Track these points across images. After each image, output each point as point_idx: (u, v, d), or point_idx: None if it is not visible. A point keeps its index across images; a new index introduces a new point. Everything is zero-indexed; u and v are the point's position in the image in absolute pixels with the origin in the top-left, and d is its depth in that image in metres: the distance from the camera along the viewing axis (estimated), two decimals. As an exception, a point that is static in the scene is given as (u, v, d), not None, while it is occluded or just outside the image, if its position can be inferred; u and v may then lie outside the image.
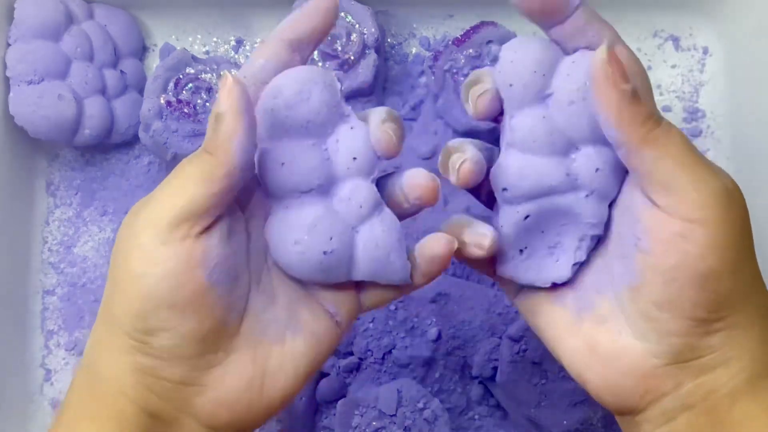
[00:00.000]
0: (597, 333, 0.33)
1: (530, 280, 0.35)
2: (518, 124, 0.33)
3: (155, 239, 0.30)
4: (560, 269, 0.35)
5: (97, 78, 0.55)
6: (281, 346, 0.33)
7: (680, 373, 0.31)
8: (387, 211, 0.34)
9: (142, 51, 0.59)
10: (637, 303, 0.31)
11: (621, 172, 0.33)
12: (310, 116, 0.33)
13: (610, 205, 0.34)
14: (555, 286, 0.35)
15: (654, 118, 0.30)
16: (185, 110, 0.53)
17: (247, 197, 0.34)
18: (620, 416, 0.34)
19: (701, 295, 0.30)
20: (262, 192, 0.34)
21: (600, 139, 0.32)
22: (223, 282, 0.31)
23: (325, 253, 0.33)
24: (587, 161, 0.33)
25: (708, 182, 0.30)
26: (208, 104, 0.54)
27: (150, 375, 0.31)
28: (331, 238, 0.33)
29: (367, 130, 0.34)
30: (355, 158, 0.33)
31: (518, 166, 0.33)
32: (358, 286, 0.36)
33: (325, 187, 0.34)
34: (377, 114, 0.34)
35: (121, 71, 0.57)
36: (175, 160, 0.53)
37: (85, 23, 0.55)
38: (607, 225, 0.34)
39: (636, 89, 0.30)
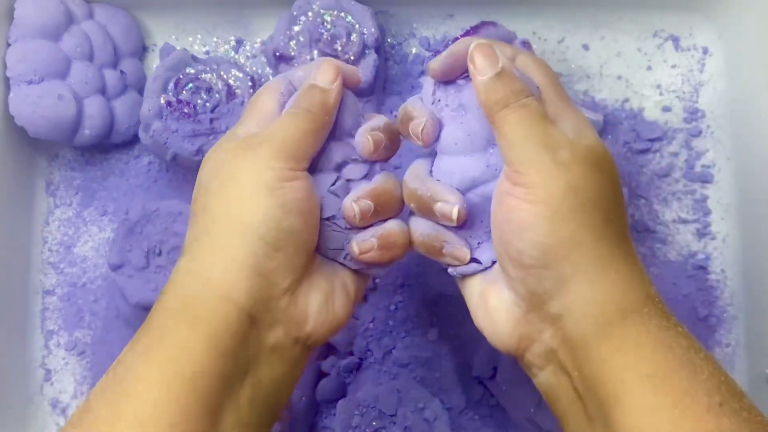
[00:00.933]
0: (489, 289, 0.39)
1: (484, 265, 0.40)
2: (442, 135, 0.40)
3: (285, 165, 0.37)
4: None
5: (97, 78, 0.55)
6: (335, 271, 0.40)
7: (538, 320, 0.36)
8: None
9: (142, 51, 0.59)
10: (498, 257, 0.38)
11: None
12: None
13: None
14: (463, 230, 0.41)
15: (511, 98, 0.37)
16: (185, 110, 0.53)
17: None
18: (517, 360, 0.39)
19: (521, 242, 0.35)
20: None
21: None
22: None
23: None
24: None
25: (536, 157, 0.35)
26: (208, 104, 0.54)
27: (265, 278, 0.36)
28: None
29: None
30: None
31: (446, 166, 0.40)
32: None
33: None
34: (373, 120, 0.41)
35: (121, 71, 0.57)
36: (175, 160, 0.53)
37: (85, 23, 0.55)
38: None
39: (503, 72, 0.37)
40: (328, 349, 0.54)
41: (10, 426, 0.55)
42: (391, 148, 0.41)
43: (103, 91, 0.55)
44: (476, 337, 0.53)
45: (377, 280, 0.54)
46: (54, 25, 0.53)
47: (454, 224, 0.39)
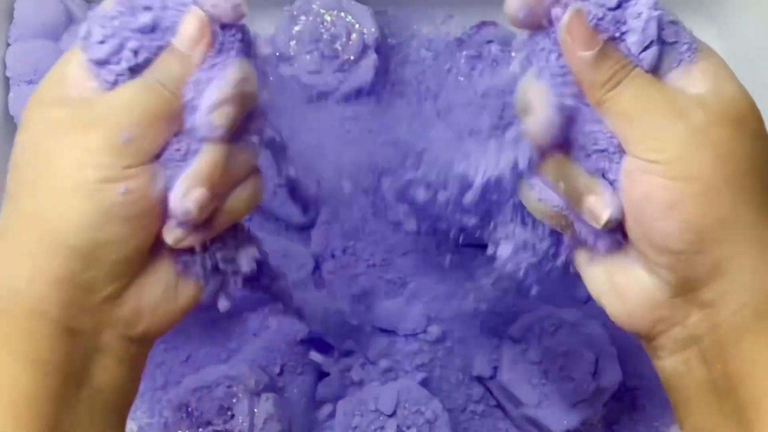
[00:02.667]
0: (616, 268, 0.34)
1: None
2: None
3: (118, 162, 0.30)
4: None
5: None
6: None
7: (685, 305, 0.32)
8: None
9: None
10: (635, 243, 0.32)
11: None
12: None
13: None
14: None
15: (611, 81, 0.31)
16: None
17: None
18: (640, 340, 0.35)
19: (669, 225, 0.30)
20: None
21: None
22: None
23: None
24: None
25: (663, 126, 0.30)
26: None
27: (84, 289, 0.31)
28: None
29: None
30: None
31: None
32: None
33: None
34: (212, 94, 0.33)
35: None
36: None
37: None
38: None
39: (605, 49, 0.31)
40: (329, 348, 0.54)
41: (10, 426, 0.55)
42: (245, 111, 0.34)
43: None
44: (476, 336, 0.53)
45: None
46: (54, 25, 0.53)
47: (599, 227, 0.33)
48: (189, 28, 0.32)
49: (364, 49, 0.54)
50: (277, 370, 0.53)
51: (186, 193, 0.32)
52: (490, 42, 0.54)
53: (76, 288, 0.31)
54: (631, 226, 0.32)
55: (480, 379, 0.53)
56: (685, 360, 0.33)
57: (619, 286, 0.34)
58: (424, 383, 0.52)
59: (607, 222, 0.32)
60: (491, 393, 0.53)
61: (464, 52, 0.54)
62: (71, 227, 0.30)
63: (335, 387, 0.54)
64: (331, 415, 0.54)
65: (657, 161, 0.30)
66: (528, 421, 0.51)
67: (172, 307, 0.34)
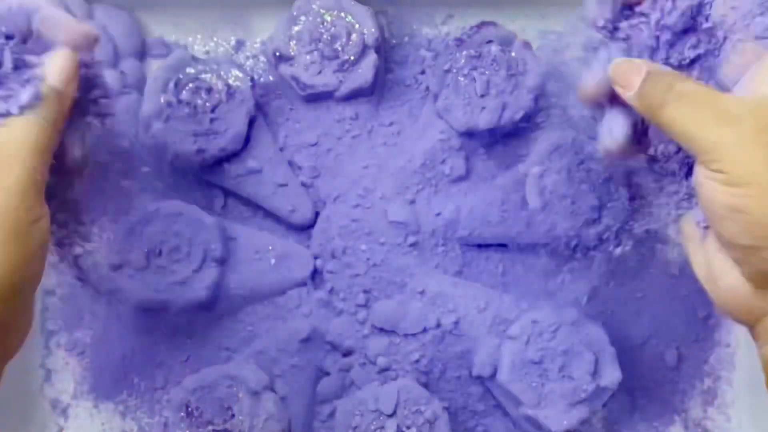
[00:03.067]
0: (713, 260, 0.37)
1: None
2: None
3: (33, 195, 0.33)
4: None
5: None
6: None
7: None
8: None
9: (142, 51, 0.59)
10: (718, 238, 0.36)
11: None
12: None
13: None
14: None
15: (657, 105, 0.35)
16: (185, 110, 0.53)
17: None
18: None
19: (735, 225, 0.33)
20: None
21: None
22: None
23: None
24: None
25: (718, 139, 0.33)
26: (207, 104, 0.54)
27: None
28: None
29: None
30: None
31: None
32: None
33: None
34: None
35: (121, 72, 0.56)
36: (176, 160, 0.53)
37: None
38: None
39: (650, 76, 0.35)
40: (328, 348, 0.54)
41: (10, 426, 0.55)
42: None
43: None
44: (476, 337, 0.53)
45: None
46: None
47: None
48: (60, 67, 0.34)
49: (364, 50, 0.54)
50: (277, 370, 0.53)
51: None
52: (490, 42, 0.54)
53: None
54: (712, 225, 0.35)
55: (480, 379, 0.53)
56: None
57: (714, 274, 0.36)
58: (424, 383, 0.52)
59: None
60: (491, 393, 0.53)
61: (464, 52, 0.54)
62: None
63: (335, 387, 0.54)
64: (331, 415, 0.54)
65: (717, 170, 0.33)
66: (528, 420, 0.51)
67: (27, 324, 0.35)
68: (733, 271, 0.35)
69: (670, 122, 0.34)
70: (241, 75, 0.55)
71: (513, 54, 0.54)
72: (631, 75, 0.36)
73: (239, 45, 0.59)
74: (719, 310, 0.38)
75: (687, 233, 0.39)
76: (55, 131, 0.34)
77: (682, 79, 0.35)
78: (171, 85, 0.53)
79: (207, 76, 0.54)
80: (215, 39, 0.59)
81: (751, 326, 0.36)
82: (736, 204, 0.33)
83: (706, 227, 0.38)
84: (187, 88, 0.54)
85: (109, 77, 0.55)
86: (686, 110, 0.34)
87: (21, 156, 0.32)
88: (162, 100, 0.53)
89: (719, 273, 0.36)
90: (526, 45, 0.54)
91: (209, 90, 0.54)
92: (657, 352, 0.56)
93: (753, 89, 0.34)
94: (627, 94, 0.36)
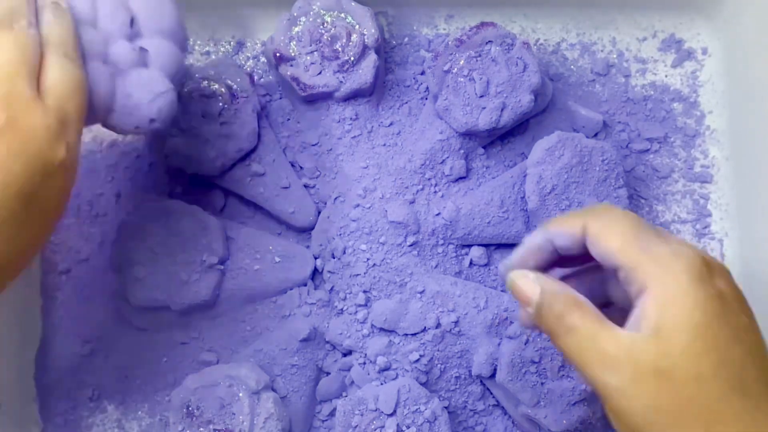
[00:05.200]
0: None
1: None
2: None
3: None
4: None
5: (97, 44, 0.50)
6: None
7: None
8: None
9: (181, 38, 0.53)
10: None
11: None
12: None
13: None
14: None
15: (553, 333, 0.37)
16: (195, 121, 0.54)
17: None
18: None
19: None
20: None
21: None
22: None
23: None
24: None
25: (601, 383, 0.35)
26: (214, 109, 0.54)
27: None
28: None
29: None
30: None
31: None
32: None
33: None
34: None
35: (141, 48, 0.51)
36: (200, 169, 0.54)
37: None
38: None
39: (537, 309, 0.38)
40: (328, 348, 0.54)
41: (10, 426, 0.55)
42: None
43: (104, 60, 0.50)
44: (476, 337, 0.53)
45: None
46: None
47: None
48: None
49: (364, 50, 0.54)
50: (277, 370, 0.53)
51: None
52: (489, 42, 0.54)
53: None
54: None
55: (480, 379, 0.53)
56: None
57: None
58: (424, 383, 0.52)
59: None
60: (491, 392, 0.54)
61: (464, 53, 0.54)
62: None
63: (335, 387, 0.54)
64: (331, 414, 0.54)
65: (609, 410, 0.35)
66: (527, 420, 0.51)
67: None
68: None
69: (564, 351, 0.36)
70: (240, 75, 0.55)
71: (513, 54, 0.54)
72: (528, 293, 0.38)
73: (239, 45, 0.59)
74: None
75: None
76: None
77: (570, 308, 0.36)
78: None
79: (207, 83, 0.54)
80: (215, 40, 0.59)
81: None
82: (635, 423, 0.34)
83: None
84: (191, 98, 0.54)
85: (119, 49, 0.52)
86: (574, 347, 0.35)
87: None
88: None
89: None
90: (526, 45, 0.54)
91: (212, 95, 0.54)
92: (657, 351, 0.56)
93: (633, 325, 0.35)
94: (527, 310, 0.38)
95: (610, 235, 0.36)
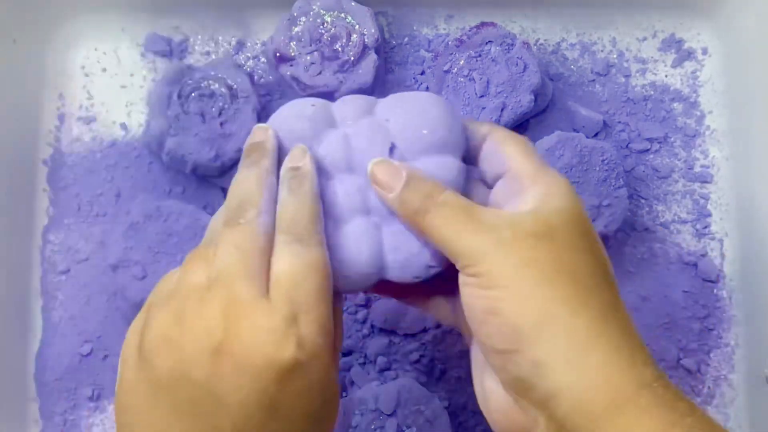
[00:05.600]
0: (485, 374, 0.36)
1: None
2: None
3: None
4: None
5: None
6: None
7: (530, 407, 0.33)
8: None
9: (447, 144, 0.51)
10: (479, 347, 0.36)
11: None
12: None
13: None
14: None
15: (422, 211, 0.35)
16: (194, 120, 0.54)
17: None
18: None
19: (490, 327, 0.33)
20: None
21: None
22: None
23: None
24: None
25: (472, 245, 0.34)
26: (214, 109, 0.54)
27: None
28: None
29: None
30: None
31: None
32: None
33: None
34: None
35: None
36: (196, 170, 0.54)
37: None
38: None
39: (409, 182, 0.36)
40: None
41: (10, 426, 0.55)
42: None
43: (366, 210, 0.52)
44: (476, 337, 0.53)
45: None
46: None
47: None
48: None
49: (364, 50, 0.54)
50: (277, 369, 0.53)
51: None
52: (490, 42, 0.54)
53: None
54: (470, 329, 0.35)
55: (480, 379, 0.53)
56: None
57: (486, 391, 0.36)
58: (424, 383, 0.52)
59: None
60: (491, 392, 0.54)
61: (464, 52, 0.54)
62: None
63: (335, 386, 0.54)
64: (331, 414, 0.54)
65: (475, 274, 0.33)
66: (527, 420, 0.51)
67: None
68: (498, 385, 0.35)
69: (431, 228, 0.35)
70: (240, 74, 0.55)
71: (513, 54, 0.54)
72: (392, 178, 0.36)
73: (239, 45, 0.59)
74: (495, 430, 0.36)
75: (472, 357, 0.38)
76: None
77: (442, 189, 0.36)
78: (174, 98, 0.54)
79: (207, 82, 0.54)
80: (215, 39, 0.60)
81: None
82: (492, 306, 0.33)
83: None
84: (190, 98, 0.54)
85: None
86: (446, 219, 0.35)
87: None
88: (169, 115, 0.53)
89: (488, 391, 0.36)
90: (526, 45, 0.54)
91: (212, 95, 0.54)
92: (656, 351, 0.56)
93: (512, 207, 0.36)
94: (388, 196, 0.36)
95: (513, 142, 0.38)
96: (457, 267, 0.35)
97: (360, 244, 0.37)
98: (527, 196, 0.35)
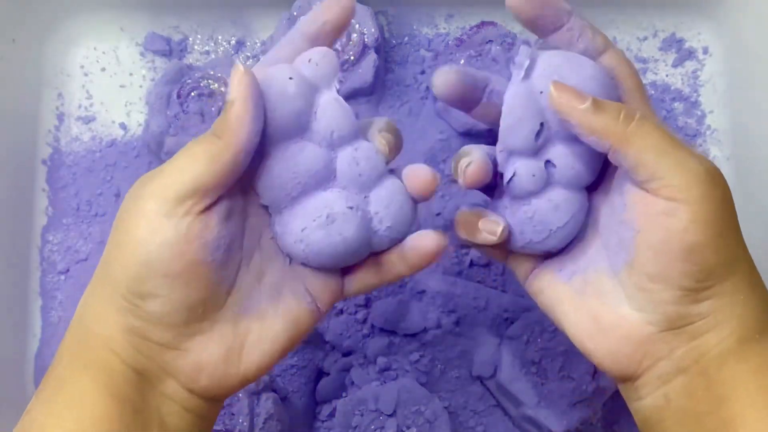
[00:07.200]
0: (599, 306, 0.35)
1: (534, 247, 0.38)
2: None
3: (159, 210, 0.32)
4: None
5: None
6: (261, 323, 0.35)
7: (674, 338, 0.34)
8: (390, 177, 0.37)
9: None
10: (632, 277, 0.34)
11: (593, 161, 0.36)
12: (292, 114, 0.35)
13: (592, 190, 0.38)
14: (554, 260, 0.38)
15: (627, 117, 0.33)
16: (194, 120, 0.53)
17: (248, 179, 0.35)
18: (621, 384, 0.37)
19: (687, 266, 0.33)
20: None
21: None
22: (217, 259, 0.33)
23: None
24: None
25: (689, 166, 0.33)
26: (213, 108, 0.54)
27: (138, 336, 0.33)
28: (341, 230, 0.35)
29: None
30: (333, 131, 0.35)
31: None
32: (344, 271, 0.38)
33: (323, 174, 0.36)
34: (375, 124, 0.37)
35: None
36: None
37: None
38: (596, 209, 0.38)
39: (596, 99, 0.33)
40: (328, 348, 0.54)
41: (10, 426, 0.55)
42: (397, 148, 0.38)
43: None
44: (476, 337, 0.53)
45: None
46: None
47: (494, 240, 0.37)
48: (232, 77, 0.34)
49: (364, 50, 0.54)
50: (277, 370, 0.53)
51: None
52: (490, 42, 0.54)
53: (134, 334, 0.33)
54: (641, 263, 0.34)
55: (480, 379, 0.53)
56: (665, 393, 0.34)
57: (605, 326, 0.35)
58: (424, 383, 0.52)
59: (503, 233, 0.36)
60: (491, 392, 0.54)
61: (464, 52, 0.54)
62: (119, 277, 0.33)
63: (335, 387, 0.54)
64: (331, 415, 0.54)
65: (682, 200, 0.32)
66: (527, 420, 0.51)
67: (234, 370, 0.35)
68: (632, 317, 0.34)
69: (638, 139, 0.33)
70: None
71: (513, 53, 0.54)
72: (578, 93, 0.34)
73: (239, 45, 0.59)
74: (602, 365, 0.36)
75: (550, 295, 0.38)
76: (218, 147, 0.33)
77: (633, 109, 0.34)
78: (174, 97, 0.54)
79: (206, 82, 0.54)
80: (215, 39, 0.59)
81: (638, 377, 0.35)
82: (695, 243, 0.32)
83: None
84: (190, 97, 0.54)
85: None
86: (654, 133, 0.33)
87: (167, 165, 0.34)
88: (168, 115, 0.53)
89: (613, 323, 0.35)
90: (527, 44, 0.54)
91: (211, 94, 0.54)
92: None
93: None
94: (580, 108, 0.33)
95: (628, 75, 0.36)
96: (651, 189, 0.33)
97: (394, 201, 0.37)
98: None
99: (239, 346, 0.35)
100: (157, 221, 0.32)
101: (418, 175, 0.37)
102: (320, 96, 0.36)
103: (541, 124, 0.36)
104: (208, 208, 0.33)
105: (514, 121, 0.36)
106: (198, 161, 0.33)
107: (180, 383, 0.34)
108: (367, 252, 0.37)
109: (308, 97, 0.35)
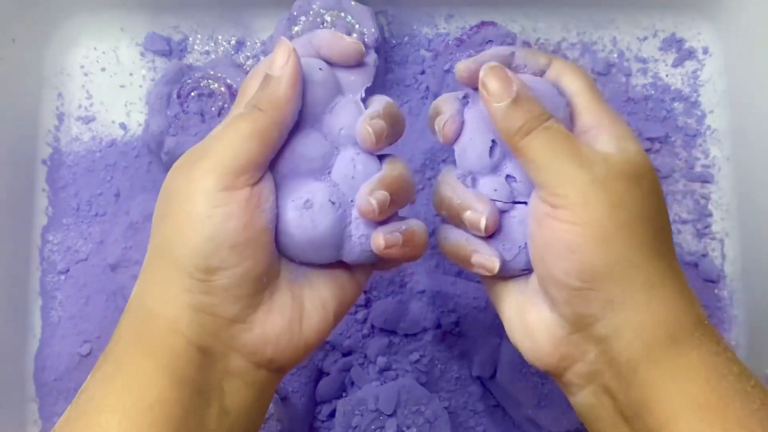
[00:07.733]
0: (527, 306, 0.37)
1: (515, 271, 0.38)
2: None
3: (217, 185, 0.33)
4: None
5: None
6: (311, 290, 0.37)
7: (583, 342, 0.35)
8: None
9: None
10: (537, 277, 0.36)
11: None
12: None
13: None
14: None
15: (530, 125, 0.35)
16: (194, 119, 0.53)
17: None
18: (553, 378, 0.38)
19: (568, 265, 0.34)
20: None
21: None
22: (274, 226, 0.35)
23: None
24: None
25: (572, 176, 0.34)
26: (213, 108, 0.54)
27: (206, 312, 0.34)
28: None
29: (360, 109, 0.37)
30: (342, 129, 0.36)
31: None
32: None
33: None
34: (372, 105, 0.37)
35: None
36: None
37: None
38: None
39: (514, 101, 0.35)
40: (328, 348, 0.54)
41: (10, 426, 0.55)
42: (394, 134, 0.37)
43: None
44: (476, 337, 0.53)
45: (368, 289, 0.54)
46: None
47: (483, 234, 0.37)
48: (278, 52, 0.35)
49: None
50: (277, 369, 0.53)
51: (371, 192, 0.35)
52: (490, 42, 0.54)
53: (201, 312, 0.34)
54: (536, 264, 0.36)
55: (480, 379, 0.53)
56: (593, 393, 0.35)
57: (529, 324, 0.37)
58: (424, 383, 0.52)
59: (487, 226, 0.36)
60: (491, 393, 0.54)
61: (464, 52, 0.54)
62: (185, 255, 0.33)
63: (335, 387, 0.54)
64: (331, 415, 0.54)
65: (561, 206, 0.33)
66: (527, 421, 0.51)
67: (296, 339, 0.36)
68: (548, 317, 0.36)
69: (528, 150, 0.34)
70: (240, 74, 0.55)
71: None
72: (503, 89, 0.35)
73: (239, 45, 0.59)
74: (529, 360, 0.37)
75: (497, 292, 0.39)
76: (264, 122, 0.35)
77: (549, 115, 0.35)
78: (174, 97, 0.54)
79: (206, 82, 0.54)
80: (215, 39, 0.59)
81: (560, 374, 0.36)
82: (573, 242, 0.33)
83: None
84: (189, 97, 0.54)
85: None
86: (546, 143, 0.34)
87: (214, 143, 0.34)
88: (168, 115, 0.53)
89: (535, 321, 0.36)
90: (526, 44, 0.54)
91: (211, 94, 0.54)
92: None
93: (601, 147, 0.35)
94: (494, 106, 0.35)
95: (575, 77, 0.38)
96: (539, 195, 0.35)
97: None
98: (604, 135, 0.36)
99: (299, 314, 0.36)
100: (218, 196, 0.33)
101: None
102: (343, 97, 0.37)
103: (493, 141, 0.37)
104: (261, 179, 0.34)
105: (467, 141, 0.37)
106: (250, 138, 0.34)
107: (246, 357, 0.35)
108: (336, 255, 0.37)
109: (331, 91, 0.36)
